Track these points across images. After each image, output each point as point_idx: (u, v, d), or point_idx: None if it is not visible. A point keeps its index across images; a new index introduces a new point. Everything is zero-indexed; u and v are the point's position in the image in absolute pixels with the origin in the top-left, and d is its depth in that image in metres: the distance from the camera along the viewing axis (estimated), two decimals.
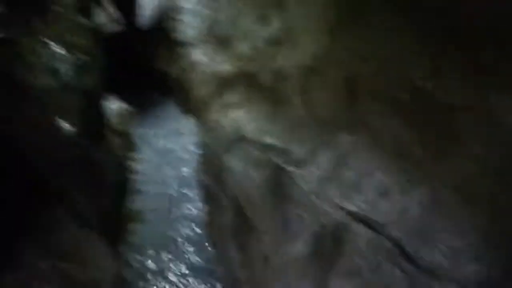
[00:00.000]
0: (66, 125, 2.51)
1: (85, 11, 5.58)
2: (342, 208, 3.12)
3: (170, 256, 3.77)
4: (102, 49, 4.02)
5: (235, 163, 3.79)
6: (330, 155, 3.55)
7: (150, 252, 3.81)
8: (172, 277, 3.63)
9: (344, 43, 3.80)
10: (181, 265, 3.69)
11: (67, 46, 3.36)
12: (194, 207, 4.22)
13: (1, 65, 2.47)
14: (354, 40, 3.68)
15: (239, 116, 4.60)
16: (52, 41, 3.36)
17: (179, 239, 3.90)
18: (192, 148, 5.24)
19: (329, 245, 2.96)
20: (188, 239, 3.89)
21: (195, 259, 3.73)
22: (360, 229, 2.95)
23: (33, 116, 2.37)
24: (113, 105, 5.38)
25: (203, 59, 6.12)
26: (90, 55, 3.45)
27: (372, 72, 3.44)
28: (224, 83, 5.45)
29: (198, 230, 3.95)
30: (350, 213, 3.06)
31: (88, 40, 3.82)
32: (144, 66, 6.69)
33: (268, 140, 3.94)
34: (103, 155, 3.45)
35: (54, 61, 3.09)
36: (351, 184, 3.29)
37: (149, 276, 3.64)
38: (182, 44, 6.41)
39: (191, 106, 5.80)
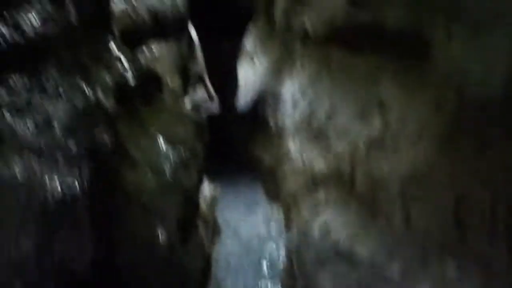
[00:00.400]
0: (163, 235, 2.46)
1: (188, 96, 5.82)
2: None
3: None
4: (203, 140, 4.07)
5: (324, 280, 3.56)
6: (433, 282, 3.26)
7: None
8: None
9: (452, 155, 3.52)
10: None
11: (170, 140, 3.42)
12: None
13: (106, 164, 2.48)
14: (465, 153, 3.40)
15: (330, 220, 4.39)
16: (158, 134, 3.43)
17: None
18: (278, 243, 5.07)
19: None
20: None
21: None
22: None
23: (133, 224, 2.36)
24: (203, 190, 5.40)
25: (296, 151, 6.07)
26: (192, 151, 3.49)
27: (483, 193, 3.13)
28: (316, 180, 5.30)
29: None
30: None
31: (191, 132, 3.90)
32: (237, 149, 6.77)
33: (362, 254, 3.69)
34: (193, 256, 3.38)
35: (158, 157, 3.13)
36: None
37: None
38: (277, 131, 6.45)
39: (281, 197, 5.71)
